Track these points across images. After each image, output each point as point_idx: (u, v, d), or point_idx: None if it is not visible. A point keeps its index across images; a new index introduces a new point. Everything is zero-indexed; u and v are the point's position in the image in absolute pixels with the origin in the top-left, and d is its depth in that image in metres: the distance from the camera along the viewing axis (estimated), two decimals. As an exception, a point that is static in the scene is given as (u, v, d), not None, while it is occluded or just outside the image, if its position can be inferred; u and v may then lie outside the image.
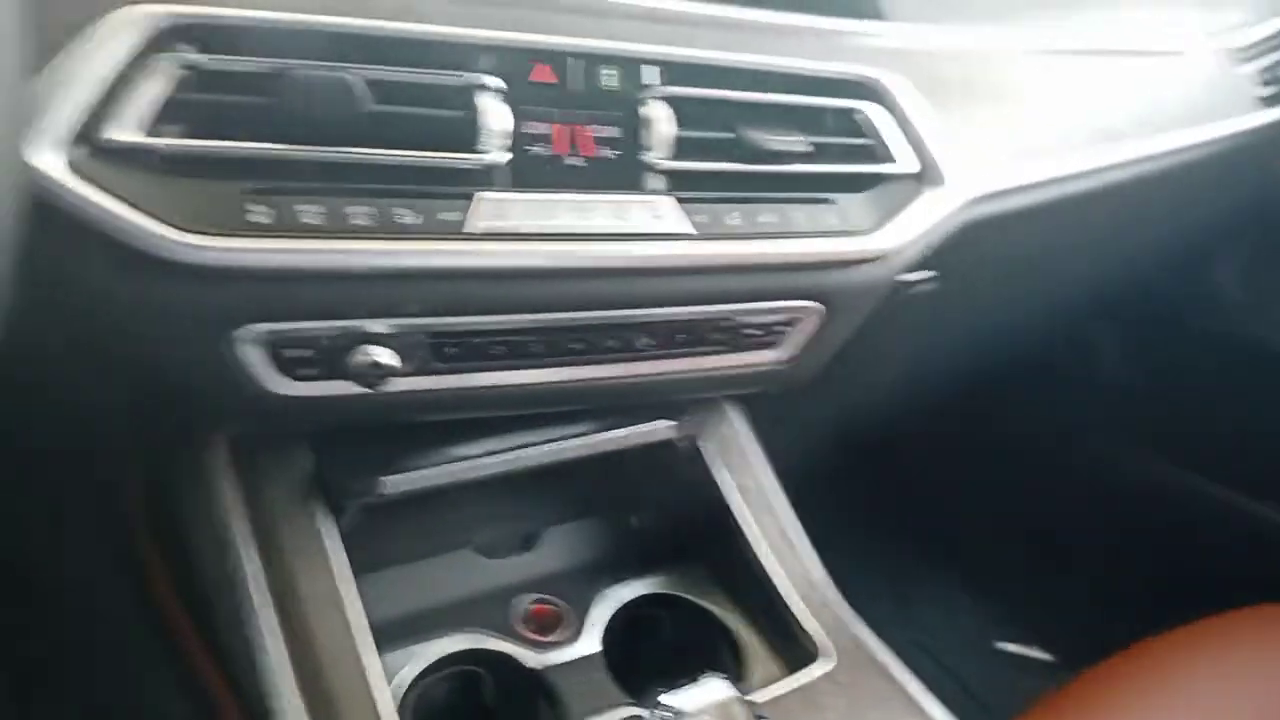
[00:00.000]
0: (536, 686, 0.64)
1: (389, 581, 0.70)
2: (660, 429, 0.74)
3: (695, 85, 0.60)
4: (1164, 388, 1.26)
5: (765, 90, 0.63)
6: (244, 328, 0.51)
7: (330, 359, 0.54)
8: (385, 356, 0.55)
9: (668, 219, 0.60)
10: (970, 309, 1.09)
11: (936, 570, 1.44)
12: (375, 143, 0.51)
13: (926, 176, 0.70)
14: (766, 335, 0.69)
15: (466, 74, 0.53)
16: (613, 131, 0.58)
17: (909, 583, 1.43)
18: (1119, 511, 1.32)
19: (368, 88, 0.50)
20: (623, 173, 0.59)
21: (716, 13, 0.66)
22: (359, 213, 0.51)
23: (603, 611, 0.73)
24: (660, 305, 0.63)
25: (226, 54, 0.48)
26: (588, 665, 0.66)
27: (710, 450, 0.78)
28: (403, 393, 0.57)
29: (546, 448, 0.69)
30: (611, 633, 0.70)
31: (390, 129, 0.51)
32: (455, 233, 0.53)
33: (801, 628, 0.70)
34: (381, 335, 0.55)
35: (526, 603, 0.72)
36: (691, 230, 0.60)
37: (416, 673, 0.63)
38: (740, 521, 0.75)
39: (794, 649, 0.70)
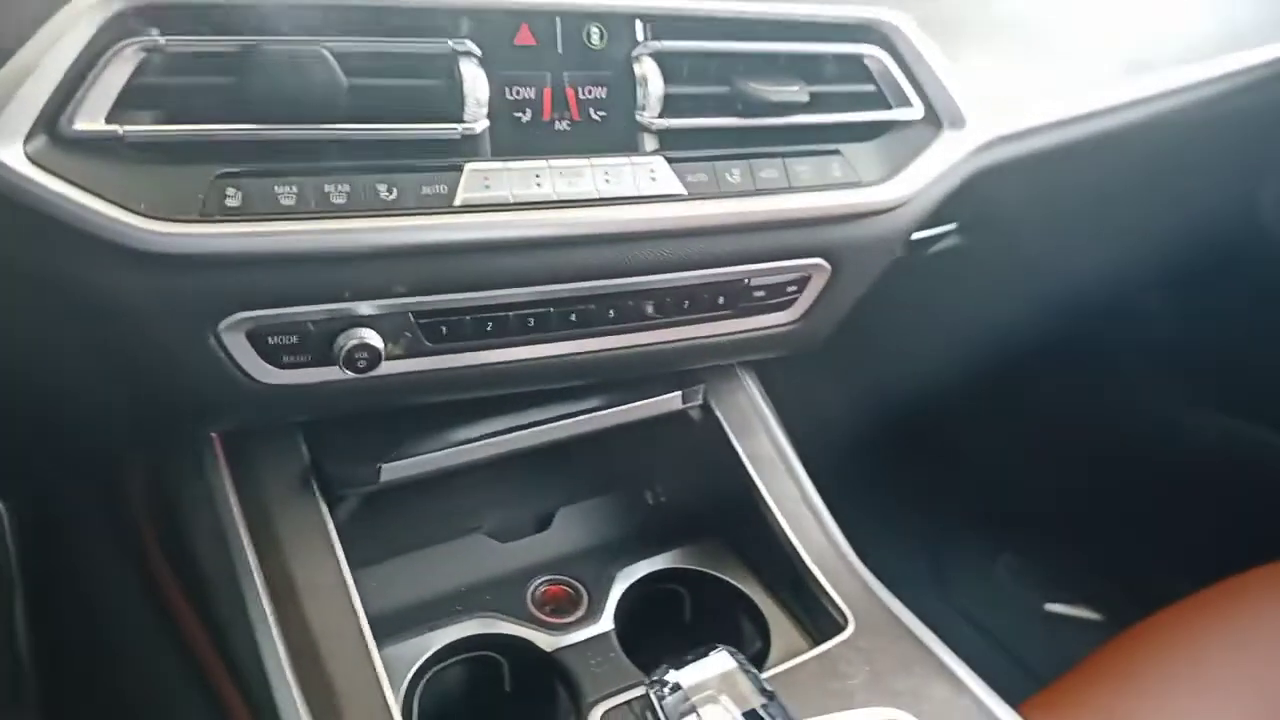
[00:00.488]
0: (550, 669, 0.64)
1: (403, 569, 0.69)
2: (673, 399, 0.73)
3: (686, 39, 0.58)
4: (1218, 339, 1.21)
5: (761, 39, 0.60)
6: (227, 317, 0.50)
7: (317, 345, 0.53)
8: (374, 339, 0.54)
9: (663, 180, 0.58)
10: (1002, 265, 1.04)
11: (975, 536, 1.41)
12: (354, 118, 0.50)
13: (938, 120, 0.67)
14: (774, 297, 0.67)
15: (448, 41, 0.51)
16: (603, 93, 0.56)
17: (948, 550, 1.40)
18: (1169, 466, 1.27)
19: (343, 60, 0.48)
20: (616, 134, 0.57)
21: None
22: (340, 191, 0.50)
23: (623, 590, 0.71)
24: (662, 271, 0.61)
25: (191, 35, 0.46)
26: (602, 645, 0.65)
27: (726, 418, 0.76)
28: (394, 375, 0.56)
29: (550, 426, 0.67)
30: (627, 611, 0.69)
31: (369, 102, 0.50)
32: (442, 206, 0.52)
33: (827, 595, 0.68)
34: (369, 318, 0.54)
35: (541, 585, 0.71)
36: (683, 191, 0.58)
37: (425, 658, 0.62)
38: (761, 490, 0.73)
39: (818, 619, 0.68)
